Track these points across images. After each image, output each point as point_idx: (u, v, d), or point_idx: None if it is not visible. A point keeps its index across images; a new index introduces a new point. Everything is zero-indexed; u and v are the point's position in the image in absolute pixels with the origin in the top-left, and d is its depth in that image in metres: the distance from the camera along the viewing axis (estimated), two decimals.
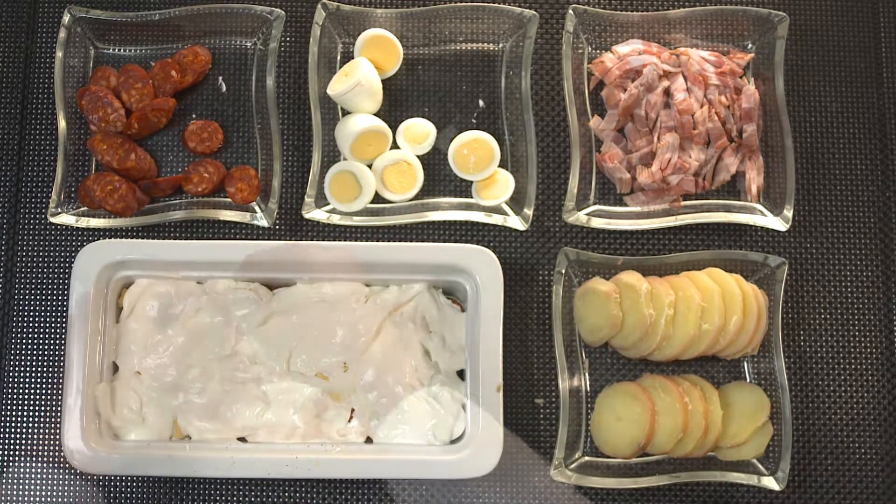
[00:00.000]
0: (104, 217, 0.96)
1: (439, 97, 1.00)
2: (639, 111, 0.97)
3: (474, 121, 1.00)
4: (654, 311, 0.90)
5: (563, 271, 0.93)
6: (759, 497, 0.95)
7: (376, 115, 0.98)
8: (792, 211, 0.95)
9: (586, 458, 0.94)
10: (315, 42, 0.96)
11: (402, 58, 0.99)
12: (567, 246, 0.95)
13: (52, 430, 0.95)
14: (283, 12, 0.97)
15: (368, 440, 0.92)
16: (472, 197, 0.98)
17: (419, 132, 0.98)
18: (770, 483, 0.91)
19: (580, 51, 0.99)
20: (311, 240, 0.98)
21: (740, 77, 1.00)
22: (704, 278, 0.92)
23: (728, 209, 0.97)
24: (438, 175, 0.99)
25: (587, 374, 0.96)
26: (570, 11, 0.96)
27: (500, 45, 1.00)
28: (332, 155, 0.97)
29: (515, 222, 0.95)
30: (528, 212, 0.95)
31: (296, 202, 0.98)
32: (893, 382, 0.97)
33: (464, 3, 0.98)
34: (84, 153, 0.99)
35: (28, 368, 0.96)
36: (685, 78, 0.98)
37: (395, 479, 0.94)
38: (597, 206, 0.98)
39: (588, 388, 0.95)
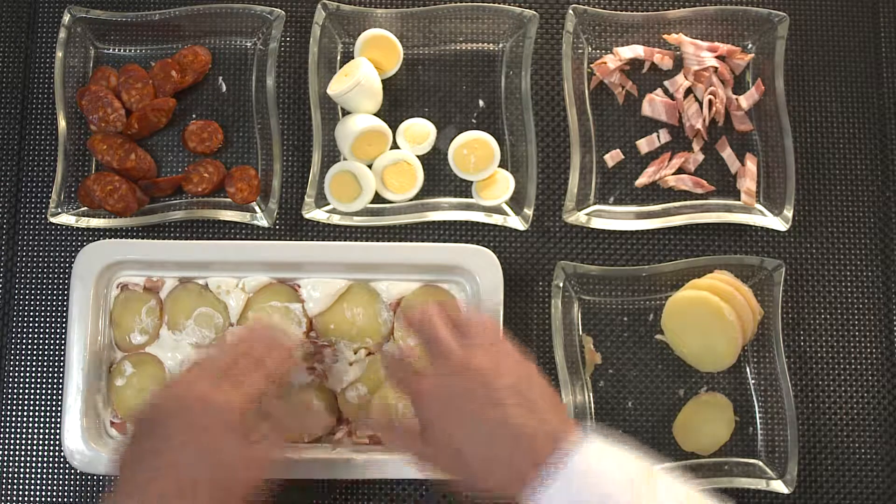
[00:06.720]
0: (104, 217, 0.96)
1: (439, 97, 1.00)
2: (640, 111, 0.97)
3: (474, 121, 1.00)
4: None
5: (561, 284, 0.92)
6: (759, 497, 0.95)
7: (376, 115, 0.98)
8: (792, 211, 0.95)
9: None
10: (315, 42, 0.96)
11: (402, 58, 0.99)
12: (567, 245, 0.95)
13: (52, 430, 0.95)
14: (283, 12, 0.97)
15: (369, 440, 0.92)
16: (472, 197, 0.98)
17: (419, 132, 0.98)
18: (779, 486, 0.90)
19: (580, 51, 0.99)
20: (311, 240, 0.98)
21: (740, 77, 1.00)
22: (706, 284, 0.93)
23: (728, 209, 0.97)
24: (438, 175, 0.99)
25: (591, 394, 0.95)
26: (570, 11, 0.96)
27: (500, 45, 1.00)
28: (332, 155, 0.97)
29: (515, 222, 0.95)
30: (528, 212, 0.95)
31: (296, 202, 0.98)
32: (894, 382, 0.97)
33: (464, 3, 0.98)
34: (84, 153, 0.99)
35: (28, 368, 0.96)
36: (684, 77, 0.98)
37: (395, 479, 0.94)
38: (597, 206, 0.98)
39: (592, 403, 0.95)
